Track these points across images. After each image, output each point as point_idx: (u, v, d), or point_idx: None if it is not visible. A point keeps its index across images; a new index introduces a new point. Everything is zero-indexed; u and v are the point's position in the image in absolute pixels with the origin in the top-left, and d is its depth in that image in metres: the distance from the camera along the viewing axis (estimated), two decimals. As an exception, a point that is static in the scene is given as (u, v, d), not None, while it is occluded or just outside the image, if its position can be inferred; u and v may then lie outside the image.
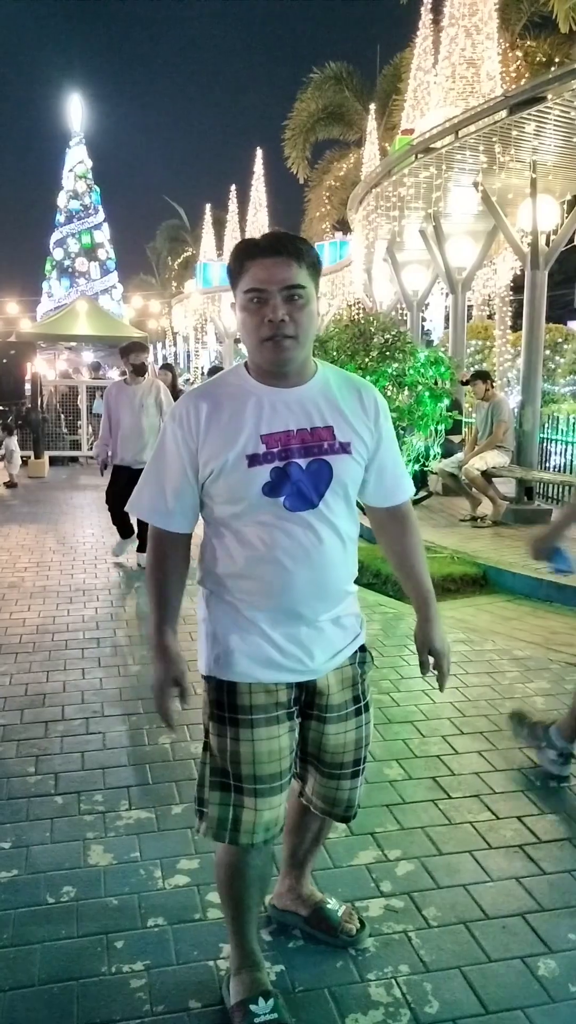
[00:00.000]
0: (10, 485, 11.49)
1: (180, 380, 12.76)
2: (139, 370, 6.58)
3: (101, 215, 36.53)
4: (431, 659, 2.06)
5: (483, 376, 8.29)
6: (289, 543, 1.77)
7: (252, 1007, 1.88)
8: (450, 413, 5.97)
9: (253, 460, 1.75)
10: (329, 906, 2.22)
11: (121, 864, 2.55)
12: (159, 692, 1.85)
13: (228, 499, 1.79)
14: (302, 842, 2.19)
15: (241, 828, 1.84)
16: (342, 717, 1.94)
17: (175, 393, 8.05)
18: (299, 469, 1.77)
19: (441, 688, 2.11)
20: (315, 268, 1.77)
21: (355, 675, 1.97)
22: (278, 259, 1.71)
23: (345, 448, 1.82)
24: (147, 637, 1.90)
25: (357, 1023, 1.94)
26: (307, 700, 1.92)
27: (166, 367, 10.37)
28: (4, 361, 15.32)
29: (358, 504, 1.94)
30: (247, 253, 1.75)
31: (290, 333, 1.72)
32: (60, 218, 36.23)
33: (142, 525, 5.93)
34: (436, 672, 2.08)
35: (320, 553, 1.80)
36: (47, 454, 13.40)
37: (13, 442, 12.05)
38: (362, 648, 2.01)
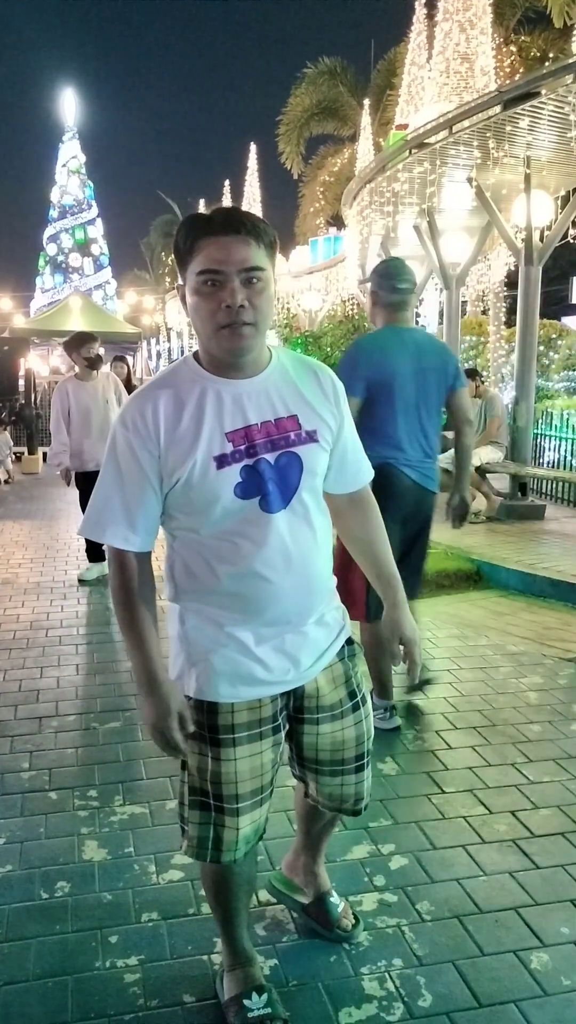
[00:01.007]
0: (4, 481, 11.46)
1: None
2: (94, 363, 5.90)
3: (94, 210, 36.42)
4: (401, 648, 1.96)
5: (471, 374, 8.30)
6: (268, 553, 1.65)
7: (246, 1002, 1.88)
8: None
9: (222, 461, 1.62)
10: (332, 899, 2.22)
11: (115, 859, 2.55)
12: (164, 727, 1.68)
13: (198, 507, 1.64)
14: (315, 824, 2.15)
15: (223, 847, 1.77)
16: (336, 716, 1.87)
17: (129, 389, 7.56)
18: (268, 465, 1.65)
19: (413, 679, 2.02)
20: (272, 248, 1.62)
21: (346, 671, 1.89)
22: (236, 237, 1.56)
23: (312, 436, 1.71)
24: (133, 673, 1.77)
25: (351, 1016, 1.94)
26: (296, 705, 1.85)
27: (119, 359, 9.17)
28: (-2, 357, 15.29)
29: None
30: (200, 230, 1.58)
31: (249, 320, 1.57)
32: (53, 213, 36.12)
33: None
34: (407, 662, 1.98)
35: (301, 556, 1.70)
36: (41, 450, 13.38)
37: (6, 438, 12.05)
38: (348, 641, 1.92)
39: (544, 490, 9.05)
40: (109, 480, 1.67)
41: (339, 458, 1.82)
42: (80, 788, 2.98)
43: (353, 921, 2.20)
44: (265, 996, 1.89)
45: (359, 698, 1.91)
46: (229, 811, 1.76)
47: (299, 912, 2.25)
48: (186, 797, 1.82)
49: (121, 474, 1.65)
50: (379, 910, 2.32)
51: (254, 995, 1.89)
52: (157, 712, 1.69)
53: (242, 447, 1.64)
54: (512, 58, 18.01)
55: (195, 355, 1.72)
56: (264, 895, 2.35)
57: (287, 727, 1.87)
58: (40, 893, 2.39)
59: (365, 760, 1.95)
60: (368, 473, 1.94)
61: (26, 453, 12.91)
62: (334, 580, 1.87)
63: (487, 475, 8.05)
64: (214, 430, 1.63)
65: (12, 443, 11.91)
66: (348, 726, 1.89)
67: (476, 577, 5.93)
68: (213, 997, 1.99)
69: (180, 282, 1.67)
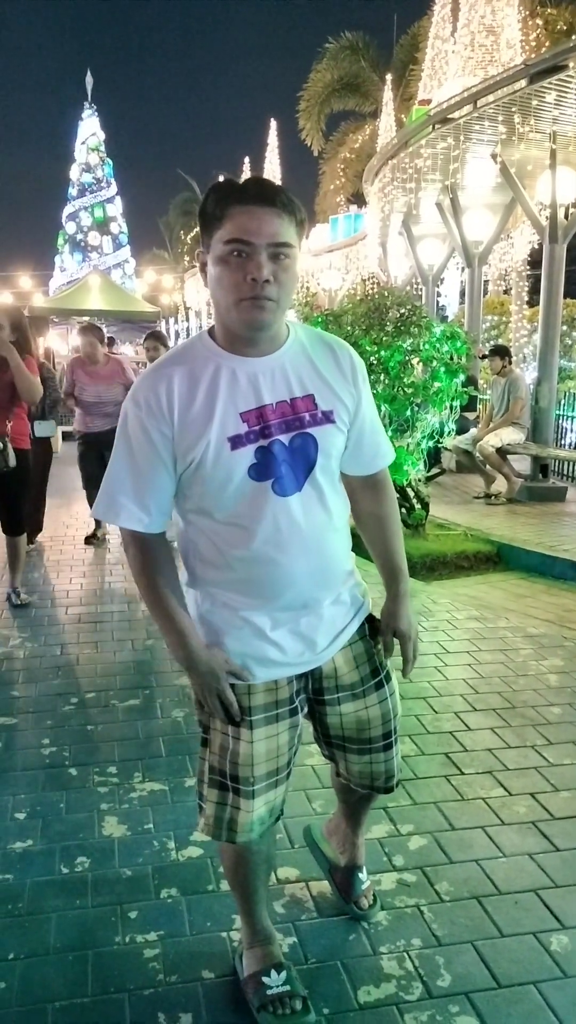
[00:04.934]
0: None
1: None
2: None
3: (114, 188, 36.31)
4: (396, 642, 1.92)
5: (501, 352, 8.21)
6: (281, 537, 1.63)
7: (265, 979, 1.88)
8: (465, 389, 5.91)
9: (236, 442, 1.58)
10: (360, 875, 2.22)
11: (134, 835, 2.56)
12: (217, 689, 1.68)
13: (211, 489, 1.61)
14: (351, 796, 2.13)
15: (238, 828, 1.76)
16: (358, 695, 1.86)
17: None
18: (283, 447, 1.62)
19: (405, 674, 1.96)
20: (301, 227, 1.58)
21: (367, 649, 1.87)
22: (269, 209, 1.51)
23: (328, 417, 1.66)
24: (169, 651, 1.78)
25: (369, 995, 1.94)
26: (315, 687, 1.84)
27: (154, 336, 7.27)
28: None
29: None
30: (232, 197, 1.53)
31: (272, 296, 1.54)
32: (72, 191, 36.06)
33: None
34: (402, 657, 1.94)
35: (316, 539, 1.67)
36: (60, 429, 13.39)
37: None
38: (370, 619, 1.90)
39: (566, 472, 8.97)
40: (121, 460, 1.64)
41: (355, 438, 1.77)
42: (100, 764, 2.99)
43: (371, 901, 2.20)
44: (284, 974, 1.89)
45: (383, 676, 1.90)
46: (244, 793, 1.75)
47: (324, 872, 2.27)
48: (205, 775, 1.82)
49: (133, 454, 1.62)
50: (398, 890, 2.32)
51: (273, 972, 1.89)
52: (208, 680, 1.69)
53: (256, 428, 1.60)
54: (538, 31, 17.68)
55: (210, 331, 1.68)
56: (283, 873, 2.36)
57: (306, 709, 1.87)
58: (60, 868, 2.40)
59: (393, 738, 1.93)
60: (387, 457, 1.88)
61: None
62: (352, 560, 1.85)
63: (508, 456, 7.98)
64: (228, 410, 1.59)
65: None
66: (372, 704, 1.88)
67: (496, 559, 5.89)
68: (232, 974, 1.99)
69: (202, 249, 1.61)
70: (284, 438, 1.62)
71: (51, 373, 6.70)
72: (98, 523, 6.61)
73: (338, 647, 1.82)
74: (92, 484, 6.37)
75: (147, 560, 1.68)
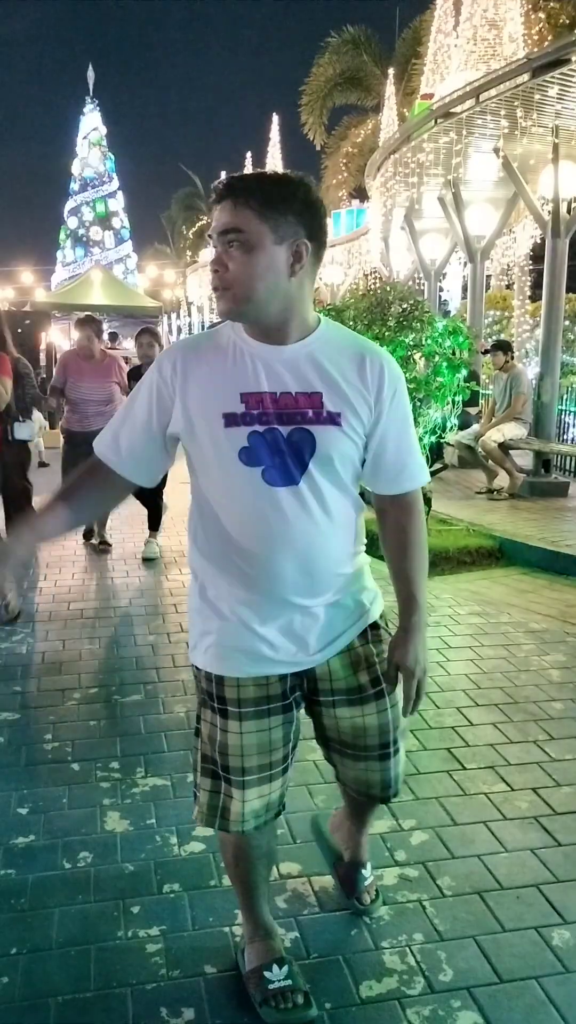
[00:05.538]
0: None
1: None
2: None
3: (115, 183, 36.29)
4: (400, 676, 1.82)
5: (504, 347, 8.19)
6: (269, 530, 1.63)
7: (267, 973, 1.88)
8: (467, 384, 5.89)
9: (230, 420, 1.61)
10: (363, 871, 2.22)
11: (137, 830, 2.56)
12: None
13: (202, 464, 1.67)
14: (354, 798, 2.12)
15: (230, 817, 1.77)
16: (355, 701, 1.82)
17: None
18: (280, 437, 1.61)
19: (404, 714, 1.86)
20: (274, 206, 1.54)
21: (368, 655, 1.82)
22: (222, 203, 1.57)
23: (334, 419, 1.63)
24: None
25: (371, 990, 1.95)
26: (311, 687, 1.82)
27: (147, 332, 6.89)
28: (19, 331, 15.28)
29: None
30: (213, 201, 1.63)
31: (223, 284, 1.58)
32: (74, 186, 36.05)
33: None
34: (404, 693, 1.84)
35: (305, 538, 1.64)
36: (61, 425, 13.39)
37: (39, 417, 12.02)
38: (374, 626, 1.84)
39: (568, 467, 8.95)
40: (125, 407, 1.77)
41: (375, 454, 1.73)
42: (102, 760, 3.00)
43: (373, 897, 2.21)
44: (286, 968, 1.90)
45: (384, 685, 1.84)
46: (236, 783, 1.76)
47: (328, 865, 2.27)
48: (198, 764, 1.83)
49: (135, 402, 1.73)
50: (400, 885, 2.32)
51: (275, 967, 1.89)
52: None
53: (254, 412, 1.61)
54: (541, 25, 17.61)
55: None
56: (285, 868, 2.36)
57: (303, 706, 1.86)
58: (63, 863, 2.41)
59: (391, 749, 1.88)
60: (415, 479, 1.80)
61: (47, 428, 12.92)
62: (356, 564, 1.80)
63: (510, 451, 7.97)
64: (229, 387, 1.63)
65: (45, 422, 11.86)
66: (370, 713, 1.83)
67: (498, 554, 5.88)
68: (234, 968, 2.00)
69: None
70: (283, 429, 1.62)
71: (27, 369, 6.24)
72: (100, 523, 6.50)
73: (334, 651, 1.79)
74: None
75: (82, 475, 1.80)
